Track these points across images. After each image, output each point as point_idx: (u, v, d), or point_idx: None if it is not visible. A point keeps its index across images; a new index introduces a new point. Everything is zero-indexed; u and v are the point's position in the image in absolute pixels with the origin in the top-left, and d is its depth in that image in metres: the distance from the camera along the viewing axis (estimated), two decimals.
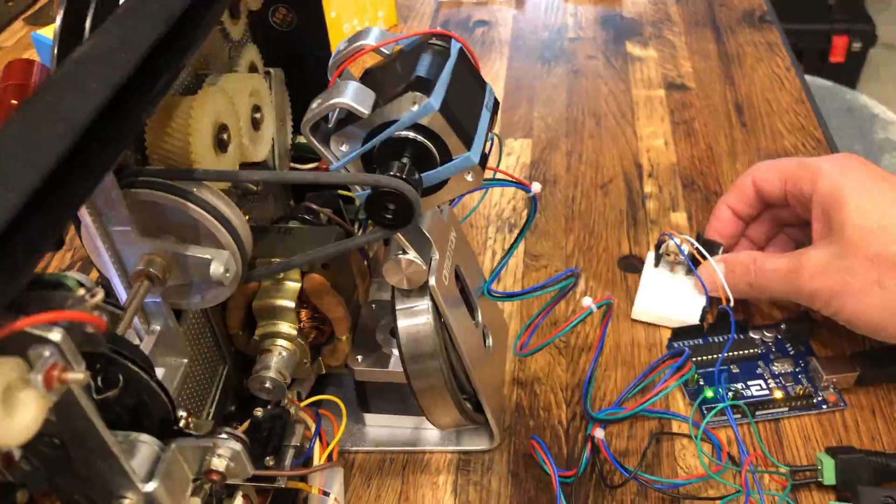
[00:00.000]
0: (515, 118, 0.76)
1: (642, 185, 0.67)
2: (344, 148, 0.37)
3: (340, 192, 0.50)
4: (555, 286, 0.45)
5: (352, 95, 0.34)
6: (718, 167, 0.69)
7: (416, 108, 0.34)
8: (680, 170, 0.68)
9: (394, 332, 0.41)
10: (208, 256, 0.36)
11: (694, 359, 0.50)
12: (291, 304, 0.43)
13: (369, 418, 0.48)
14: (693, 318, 0.53)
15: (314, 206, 0.48)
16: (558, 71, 0.83)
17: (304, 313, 0.44)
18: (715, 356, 0.50)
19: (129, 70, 0.26)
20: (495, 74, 0.83)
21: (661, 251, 0.55)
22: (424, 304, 0.40)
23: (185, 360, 0.40)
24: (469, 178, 0.36)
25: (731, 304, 0.51)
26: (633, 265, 0.59)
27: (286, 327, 0.43)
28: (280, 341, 0.43)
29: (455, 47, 0.38)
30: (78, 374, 0.23)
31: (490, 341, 0.47)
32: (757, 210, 0.55)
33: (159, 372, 0.38)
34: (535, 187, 0.42)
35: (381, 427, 0.49)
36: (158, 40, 0.28)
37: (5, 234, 0.20)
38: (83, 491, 0.29)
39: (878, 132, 1.08)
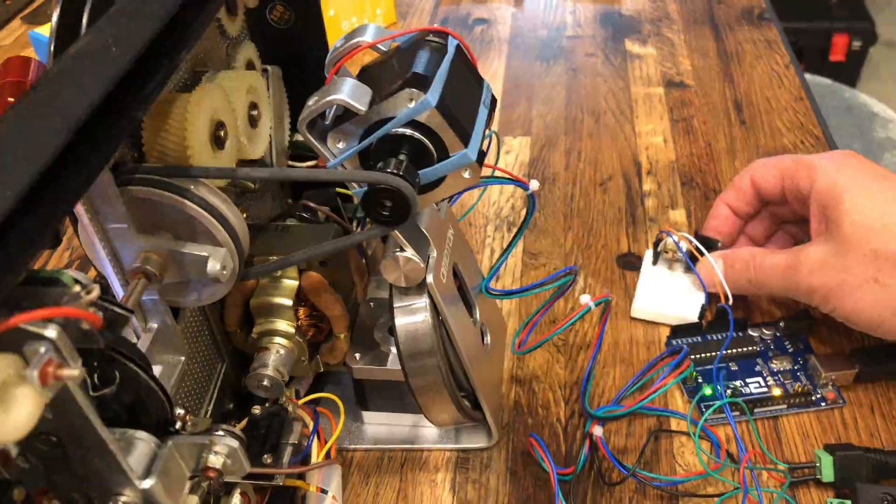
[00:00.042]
0: (514, 116, 0.76)
1: (641, 182, 0.67)
2: (341, 145, 0.37)
3: (339, 190, 0.50)
4: (553, 284, 0.45)
5: (348, 92, 0.34)
6: (717, 165, 0.69)
7: (412, 104, 0.34)
8: (679, 167, 0.68)
9: (392, 330, 0.41)
10: (205, 254, 0.36)
11: (692, 356, 0.50)
12: (289, 302, 0.42)
13: (367, 416, 0.48)
14: (692, 315, 0.53)
15: (312, 205, 0.48)
16: (557, 69, 0.83)
17: (301, 311, 0.44)
18: (713, 354, 0.50)
19: (124, 67, 0.26)
20: (494, 72, 0.82)
21: (659, 249, 0.55)
22: (422, 301, 0.40)
23: (183, 358, 0.40)
24: (466, 175, 0.36)
25: (730, 301, 0.51)
26: (631, 263, 0.59)
27: (284, 325, 0.43)
28: (278, 339, 0.43)
29: (452, 44, 0.38)
30: (73, 371, 0.23)
31: (488, 339, 0.47)
32: (755, 208, 0.55)
33: (157, 369, 0.38)
34: (534, 185, 0.42)
35: (380, 425, 0.49)
36: (154, 37, 0.28)
37: None
38: (80, 488, 0.29)
39: (877, 130, 1.08)
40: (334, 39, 0.40)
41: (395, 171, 0.35)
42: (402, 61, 0.36)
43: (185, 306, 0.40)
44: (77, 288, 0.25)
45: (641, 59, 0.84)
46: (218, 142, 0.38)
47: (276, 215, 0.49)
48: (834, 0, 1.71)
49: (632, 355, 0.52)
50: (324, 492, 0.42)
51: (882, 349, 0.49)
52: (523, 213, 0.65)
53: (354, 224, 0.49)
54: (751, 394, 0.49)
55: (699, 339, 0.52)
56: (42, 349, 0.22)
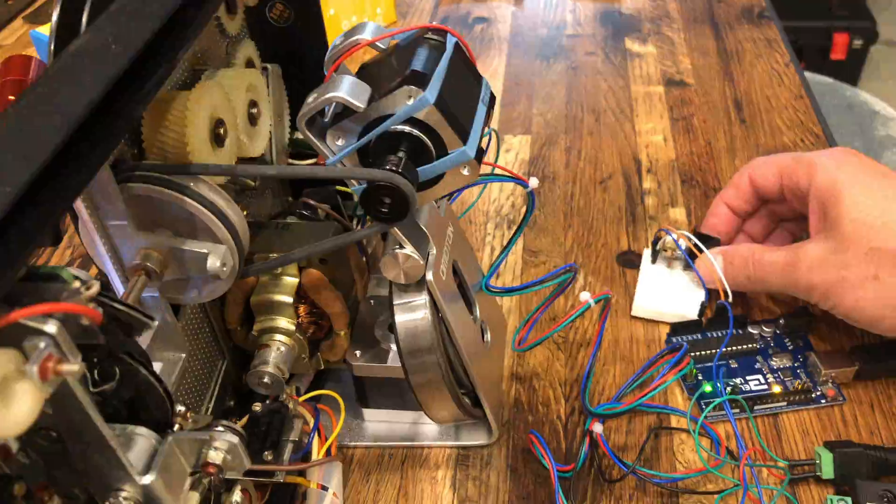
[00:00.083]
0: (514, 115, 0.76)
1: (641, 181, 0.67)
2: (340, 142, 0.37)
3: (339, 188, 0.50)
4: (553, 281, 0.45)
5: (347, 90, 0.34)
6: (717, 163, 0.69)
7: (411, 101, 0.34)
8: (679, 166, 0.68)
9: (392, 327, 0.41)
10: (205, 251, 0.36)
11: (692, 354, 0.50)
12: (289, 300, 0.43)
13: (368, 413, 0.49)
14: (691, 313, 0.53)
15: (312, 202, 0.48)
16: (557, 67, 0.83)
17: (302, 308, 0.44)
18: (713, 351, 0.50)
19: (123, 65, 0.26)
20: (494, 71, 0.83)
21: (657, 247, 0.56)
22: (422, 299, 0.40)
23: (184, 355, 0.40)
24: (465, 172, 0.36)
25: (730, 299, 0.51)
26: (631, 261, 0.59)
27: (284, 322, 0.43)
28: (278, 336, 0.43)
29: (451, 42, 0.38)
30: (73, 366, 0.23)
31: (488, 336, 0.47)
32: (754, 206, 0.56)
33: (157, 366, 0.38)
34: (533, 182, 0.42)
35: (380, 422, 0.49)
36: (153, 36, 0.28)
37: None
38: (80, 484, 0.29)
39: (878, 129, 1.07)
40: (334, 39, 0.40)
41: (393, 169, 0.35)
42: (401, 59, 0.37)
43: (185, 303, 0.40)
44: (77, 284, 0.25)
45: (641, 57, 0.84)
46: (218, 139, 0.38)
47: (275, 213, 0.49)
48: None
49: (632, 353, 0.52)
50: (324, 489, 0.42)
51: (882, 346, 0.49)
52: (523, 210, 0.65)
53: (354, 221, 0.49)
54: (751, 391, 0.49)
55: (699, 336, 0.52)
56: (42, 344, 0.22)
